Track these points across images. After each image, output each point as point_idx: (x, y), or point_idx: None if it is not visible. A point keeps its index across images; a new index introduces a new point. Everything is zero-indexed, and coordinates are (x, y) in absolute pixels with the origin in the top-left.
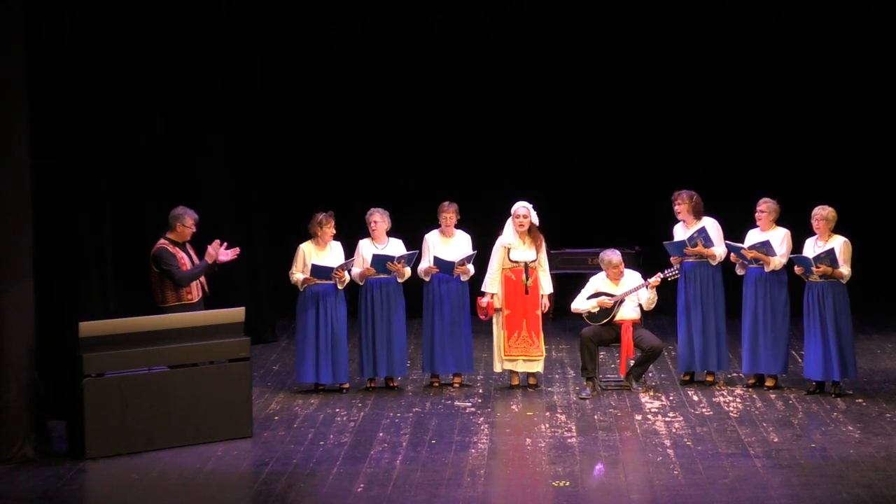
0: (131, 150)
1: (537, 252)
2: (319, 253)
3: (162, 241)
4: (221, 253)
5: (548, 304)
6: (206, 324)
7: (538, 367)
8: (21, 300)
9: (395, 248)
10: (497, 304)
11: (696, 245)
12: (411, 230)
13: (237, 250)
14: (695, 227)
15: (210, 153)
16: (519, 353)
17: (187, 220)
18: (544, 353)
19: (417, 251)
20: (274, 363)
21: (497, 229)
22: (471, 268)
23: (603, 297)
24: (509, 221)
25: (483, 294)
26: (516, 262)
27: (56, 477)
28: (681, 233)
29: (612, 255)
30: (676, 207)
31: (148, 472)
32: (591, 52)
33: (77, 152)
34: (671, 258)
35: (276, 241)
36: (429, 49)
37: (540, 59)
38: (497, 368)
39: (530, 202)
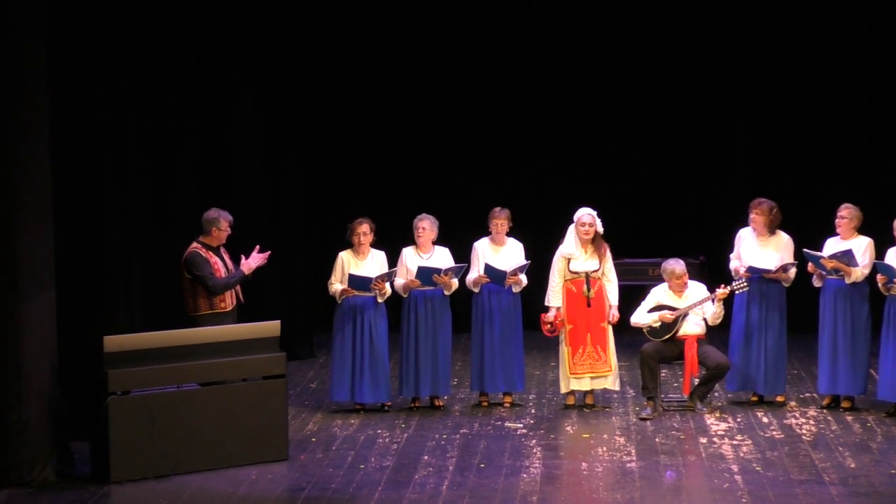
0: (160, 148)
1: (600, 262)
2: (359, 262)
3: (194, 244)
4: (253, 258)
5: (618, 315)
6: (240, 338)
7: (607, 383)
8: (42, 312)
9: (442, 257)
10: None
11: (780, 271)
12: (458, 238)
13: (267, 254)
14: (770, 247)
15: (246, 151)
16: (585, 370)
17: (222, 223)
18: (614, 368)
19: (466, 264)
20: (311, 381)
21: (550, 237)
22: (524, 278)
23: (665, 312)
24: (571, 229)
25: (548, 309)
26: (577, 272)
27: (79, 502)
28: (750, 241)
29: (676, 266)
30: (753, 215)
31: (177, 496)
32: (651, 45)
33: (100, 151)
34: (740, 272)
35: (316, 248)
36: (476, 39)
37: (598, 53)
38: (563, 388)
39: (592, 209)
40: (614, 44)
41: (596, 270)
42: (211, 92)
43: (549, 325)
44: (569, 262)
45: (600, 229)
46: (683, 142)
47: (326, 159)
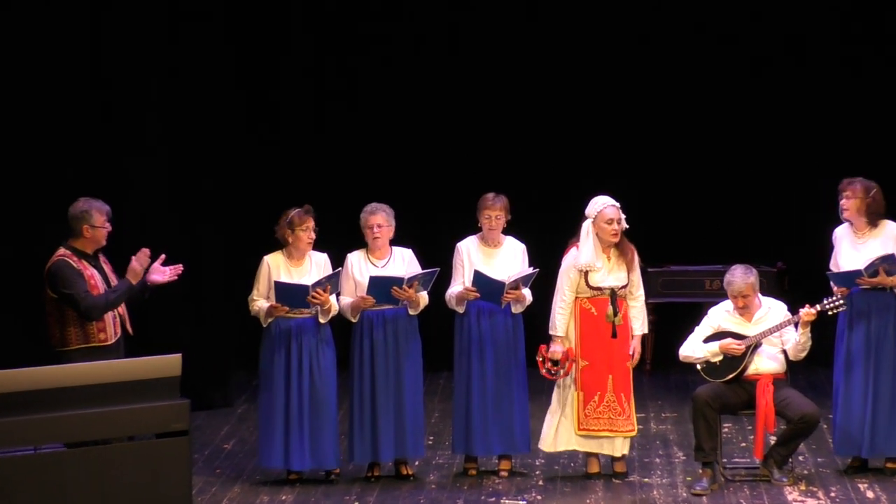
0: (6, 120)
1: (628, 273)
2: (293, 269)
3: (61, 251)
4: (155, 270)
5: (639, 350)
6: (124, 379)
7: (626, 447)
8: None
9: (402, 262)
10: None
11: (875, 275)
12: (433, 239)
13: (179, 268)
14: (869, 243)
15: (137, 129)
16: (601, 427)
17: (95, 218)
18: (637, 428)
19: (437, 269)
20: (226, 439)
21: (563, 236)
22: (527, 293)
23: (729, 340)
24: (587, 229)
25: (552, 339)
26: (599, 288)
27: None
28: (847, 242)
29: (744, 276)
30: (844, 202)
31: None
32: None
33: None
34: (835, 287)
35: (236, 258)
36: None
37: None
38: (549, 446)
39: (616, 200)
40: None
41: (624, 286)
42: (88, 45)
43: (550, 364)
44: (586, 276)
45: (625, 226)
46: (754, 111)
47: (255, 138)
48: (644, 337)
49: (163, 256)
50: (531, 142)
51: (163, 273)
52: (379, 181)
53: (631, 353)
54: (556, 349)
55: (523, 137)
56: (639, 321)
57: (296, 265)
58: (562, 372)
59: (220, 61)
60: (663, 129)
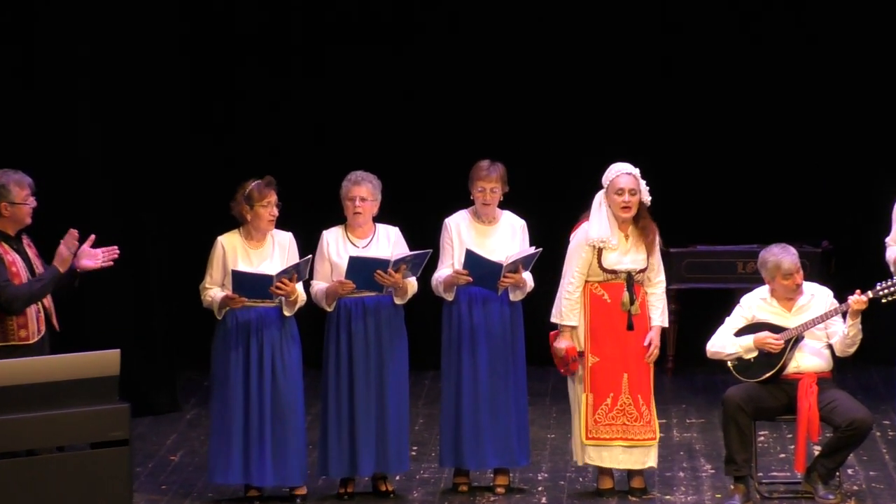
0: None
1: (648, 254)
2: (252, 252)
3: None
4: (85, 254)
5: (657, 344)
6: (53, 379)
7: (650, 458)
8: None
9: (387, 242)
10: (578, 346)
11: None
12: (418, 215)
13: (114, 251)
14: None
15: (65, 92)
16: (614, 435)
17: (14, 193)
18: (658, 435)
19: (429, 251)
20: (174, 449)
21: (565, 212)
22: (528, 277)
23: (765, 334)
24: (599, 201)
25: (559, 330)
26: (614, 272)
27: None
28: None
29: (783, 257)
30: None
31: None
32: None
33: None
34: None
35: (182, 240)
36: None
37: None
38: (579, 460)
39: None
40: None
41: (643, 270)
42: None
43: (564, 358)
44: (600, 255)
45: (646, 199)
46: (790, 68)
47: (209, 101)
48: (664, 331)
49: (92, 237)
50: (534, 101)
51: (94, 257)
52: (356, 149)
53: (647, 344)
54: (561, 345)
55: (525, 96)
56: (658, 311)
57: (255, 247)
58: (570, 368)
59: (162, 20)
60: (689, 90)
